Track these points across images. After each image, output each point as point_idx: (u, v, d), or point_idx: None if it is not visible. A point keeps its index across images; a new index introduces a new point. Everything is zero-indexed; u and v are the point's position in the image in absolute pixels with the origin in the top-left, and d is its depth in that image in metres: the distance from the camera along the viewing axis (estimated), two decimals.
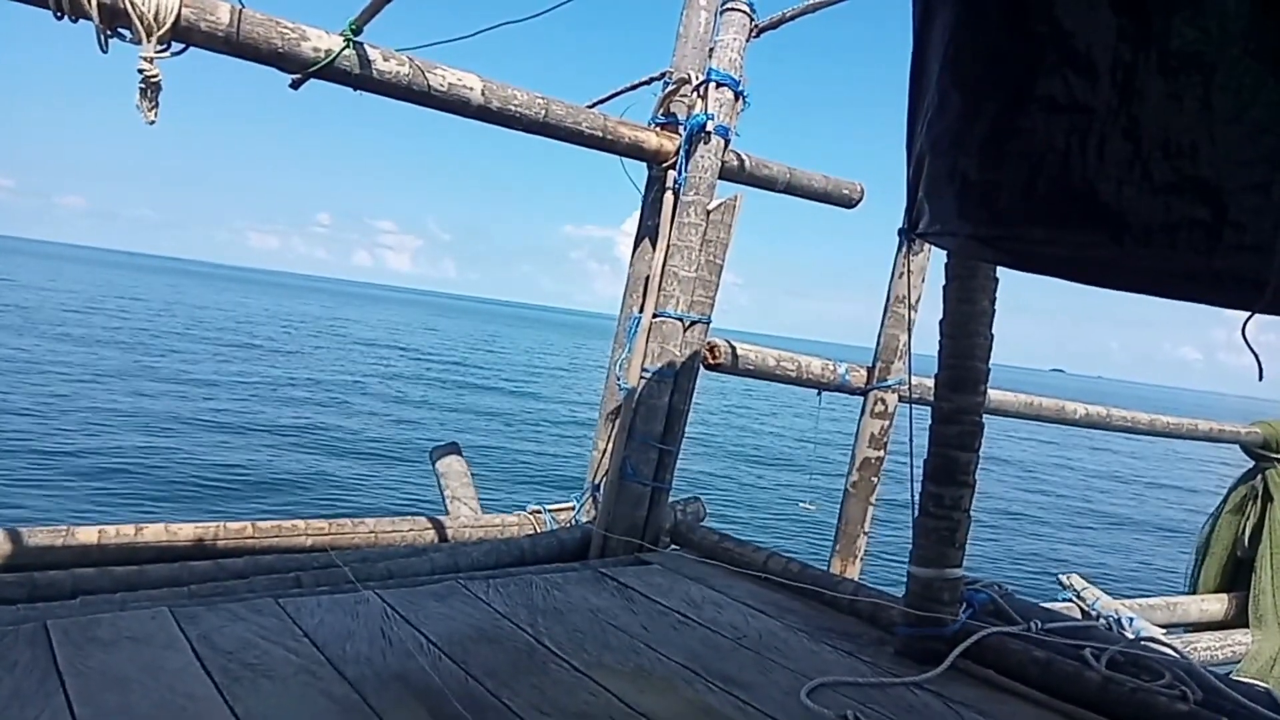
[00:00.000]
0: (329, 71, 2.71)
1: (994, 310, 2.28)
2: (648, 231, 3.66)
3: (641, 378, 3.29)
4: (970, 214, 1.64)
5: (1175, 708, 1.93)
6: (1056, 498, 17.97)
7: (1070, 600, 4.79)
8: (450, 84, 2.96)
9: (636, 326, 3.40)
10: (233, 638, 1.91)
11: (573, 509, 3.76)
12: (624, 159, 3.58)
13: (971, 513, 2.33)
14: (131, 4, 2.31)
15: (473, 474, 4.31)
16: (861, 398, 4.25)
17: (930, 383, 2.40)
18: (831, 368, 4.10)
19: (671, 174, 3.45)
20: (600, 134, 3.35)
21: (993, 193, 1.57)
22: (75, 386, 15.41)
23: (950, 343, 2.31)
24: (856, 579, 3.89)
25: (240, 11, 2.52)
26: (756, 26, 3.41)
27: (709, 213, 3.38)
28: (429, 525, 3.36)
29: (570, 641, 2.17)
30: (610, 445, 3.62)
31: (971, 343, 2.28)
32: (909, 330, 4.02)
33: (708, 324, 3.44)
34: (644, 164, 3.65)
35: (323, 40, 2.67)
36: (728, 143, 3.41)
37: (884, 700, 2.04)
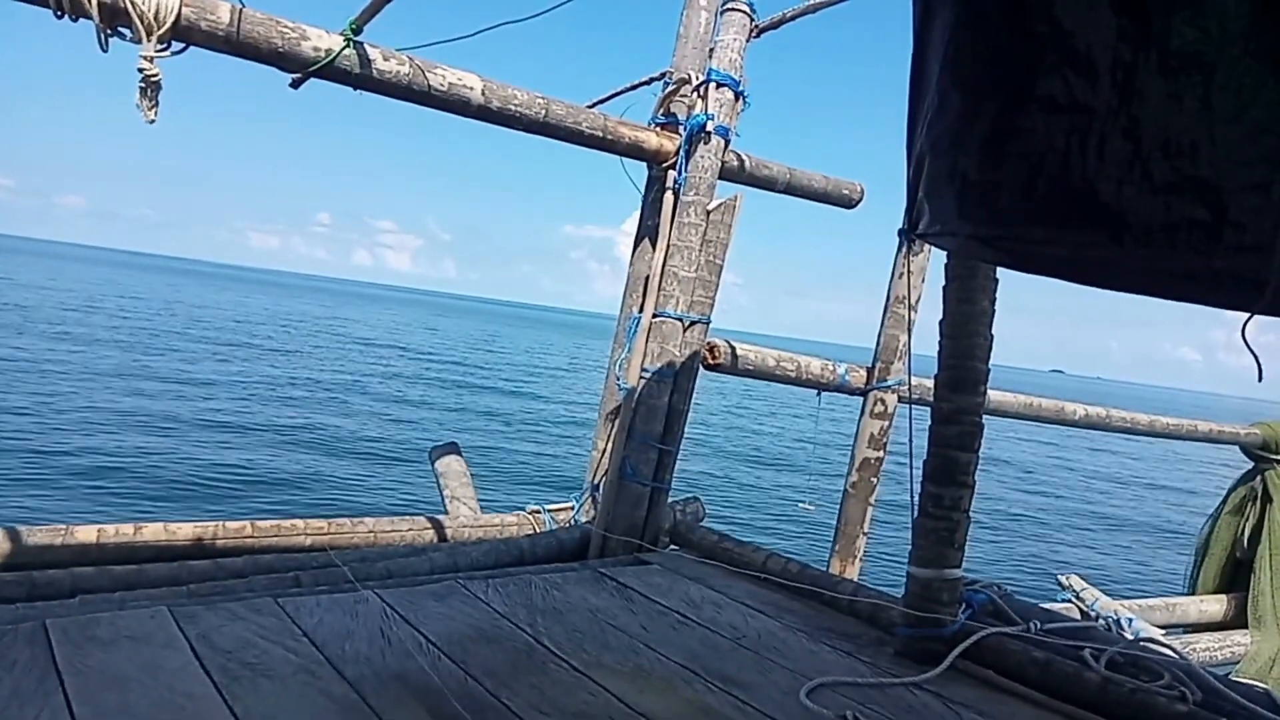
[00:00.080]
0: (329, 71, 2.71)
1: (994, 310, 2.28)
2: (648, 231, 3.66)
3: (641, 378, 3.29)
4: (970, 214, 1.64)
5: (1174, 708, 1.93)
6: (1056, 499, 17.98)
7: (1069, 601, 4.80)
8: (450, 84, 2.96)
9: (636, 326, 3.40)
10: (232, 637, 1.91)
11: (572, 509, 3.76)
12: (624, 159, 3.59)
13: (971, 513, 2.33)
14: (132, 3, 2.31)
15: (472, 474, 4.31)
16: (861, 398, 4.25)
17: (930, 383, 2.40)
18: (831, 368, 4.10)
19: (671, 174, 3.45)
20: (600, 134, 3.35)
21: (993, 193, 1.57)
22: (74, 386, 15.41)
23: (950, 343, 2.31)
24: (856, 579, 3.89)
25: (240, 11, 2.52)
26: (757, 27, 3.41)
27: (709, 213, 3.38)
28: (428, 525, 3.36)
29: (569, 641, 2.17)
30: (610, 445, 3.62)
31: (971, 343, 2.28)
32: (909, 330, 4.02)
33: (707, 324, 3.44)
34: (644, 164, 3.65)
35: (323, 40, 2.67)
36: (728, 143, 3.41)
37: (883, 700, 2.03)
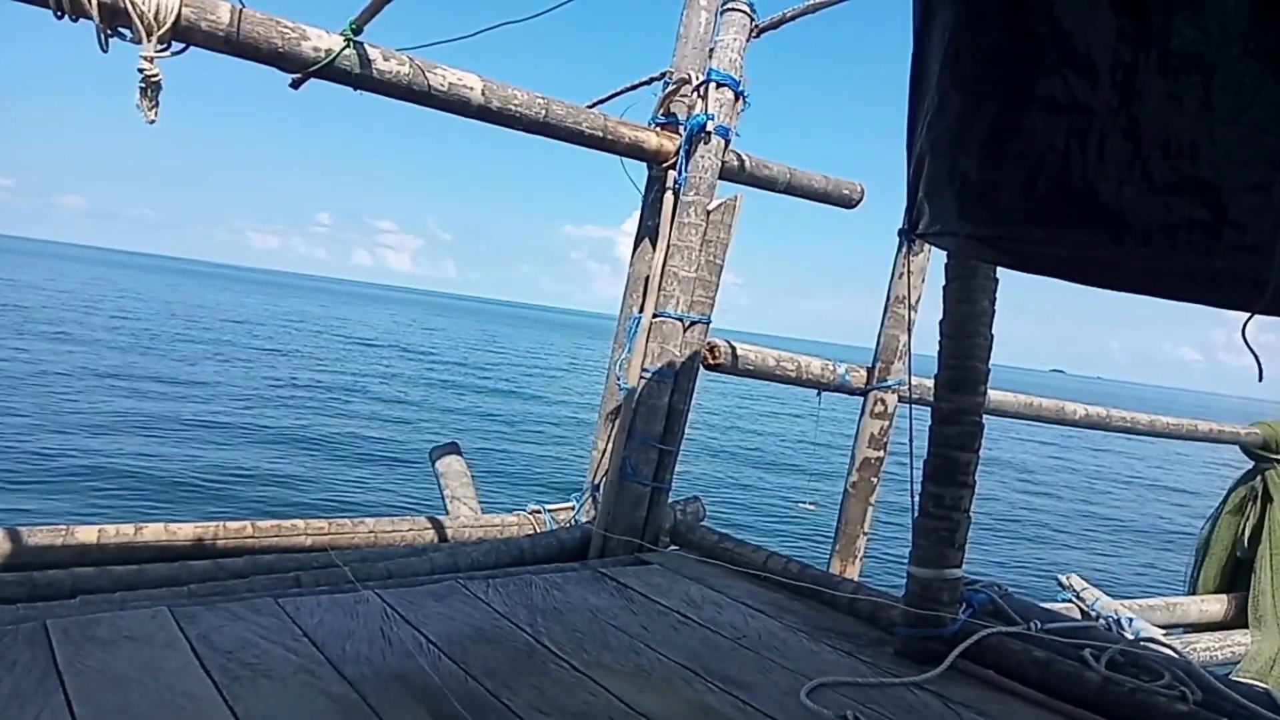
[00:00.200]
0: (329, 71, 2.71)
1: (994, 310, 2.28)
2: (648, 231, 3.66)
3: (641, 378, 3.29)
4: (970, 214, 1.64)
5: (1175, 708, 1.93)
6: (1056, 499, 17.97)
7: (1070, 601, 4.80)
8: (450, 84, 2.96)
9: (636, 326, 3.40)
10: (232, 637, 1.91)
11: (572, 509, 3.76)
12: (624, 159, 3.59)
13: (971, 513, 2.33)
14: (132, 3, 2.31)
15: (472, 474, 4.31)
16: (861, 398, 4.25)
17: (930, 383, 2.40)
18: (831, 368, 4.10)
19: (671, 174, 3.45)
20: (600, 134, 3.35)
21: (993, 193, 1.57)
22: (74, 387, 15.41)
23: (950, 343, 2.31)
24: (856, 579, 3.89)
25: (240, 11, 2.52)
26: (757, 27, 3.41)
27: (709, 213, 3.38)
28: (428, 525, 3.36)
29: (570, 641, 2.17)
30: (610, 445, 3.62)
31: (971, 343, 2.28)
32: (909, 330, 4.02)
33: (708, 324, 3.44)
34: (644, 164, 3.65)
35: (323, 40, 2.67)
36: (728, 143, 3.41)
37: (883, 700, 2.04)
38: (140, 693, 1.60)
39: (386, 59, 2.82)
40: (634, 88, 3.84)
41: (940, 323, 2.31)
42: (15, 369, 16.31)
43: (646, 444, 3.26)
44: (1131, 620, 4.39)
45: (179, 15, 2.40)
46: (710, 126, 3.30)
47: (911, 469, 2.33)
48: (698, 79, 3.39)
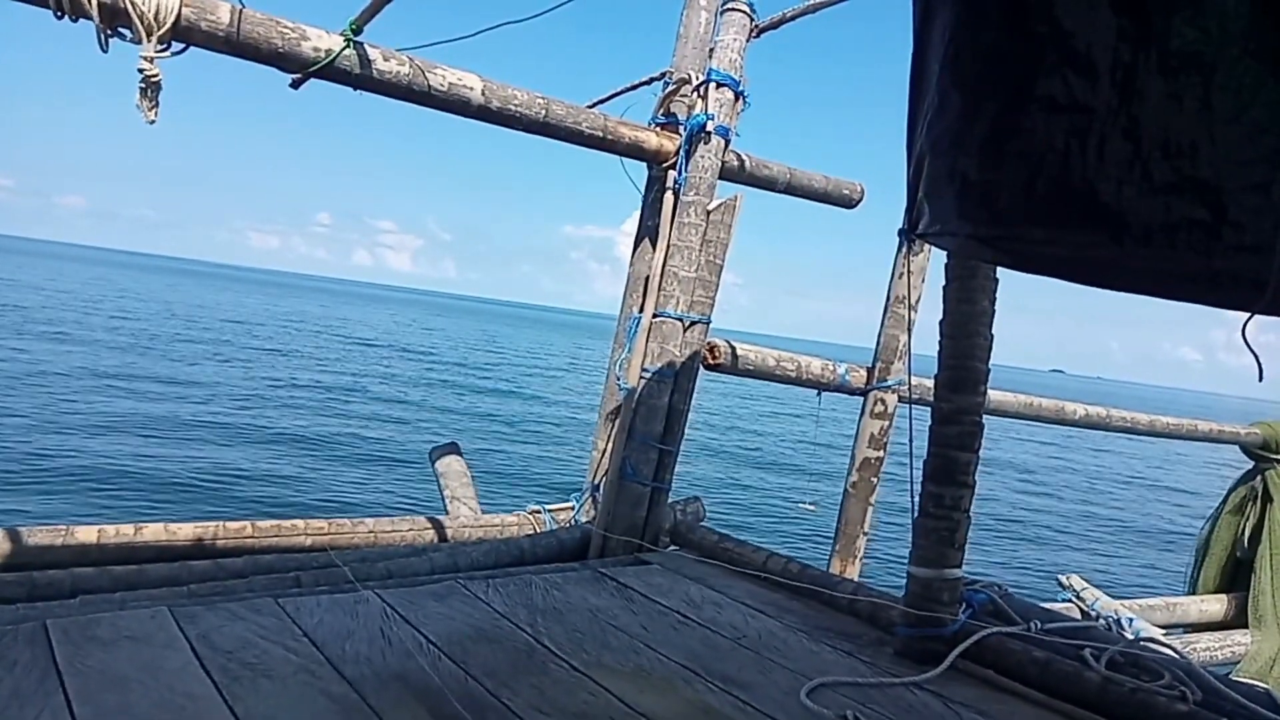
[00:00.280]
0: (329, 71, 2.71)
1: (994, 310, 2.28)
2: (648, 231, 3.66)
3: (641, 378, 3.29)
4: (970, 214, 1.64)
5: (1175, 708, 1.93)
6: (1056, 500, 17.97)
7: (1070, 601, 4.80)
8: (450, 84, 2.96)
9: (636, 326, 3.40)
10: (232, 637, 1.91)
11: (572, 509, 3.76)
12: (624, 159, 3.59)
13: (971, 513, 2.33)
14: (132, 3, 2.31)
15: (472, 474, 4.31)
16: (861, 398, 4.25)
17: (930, 383, 2.40)
18: (831, 368, 4.10)
19: (671, 174, 3.45)
20: (600, 134, 3.35)
21: (993, 193, 1.57)
22: (74, 387, 15.41)
23: (950, 343, 2.31)
24: (856, 579, 3.89)
25: (240, 11, 2.52)
26: (757, 27, 3.41)
27: (709, 213, 3.38)
28: (428, 525, 3.36)
29: (570, 641, 2.17)
30: (610, 445, 3.62)
31: (971, 343, 2.28)
32: (909, 330, 4.02)
33: (708, 324, 3.44)
34: (644, 164, 3.65)
35: (323, 40, 2.67)
36: (728, 143, 3.41)
37: (883, 700, 2.04)
38: (140, 693, 1.60)
39: (386, 59, 2.82)
40: (634, 88, 3.84)
41: (940, 323, 2.31)
42: (15, 369, 16.31)
43: (646, 444, 3.26)
44: (1131, 620, 4.39)
45: (179, 15, 2.40)
46: (710, 126, 3.30)
47: (911, 469, 2.33)
48: (698, 79, 3.39)
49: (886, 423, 4.23)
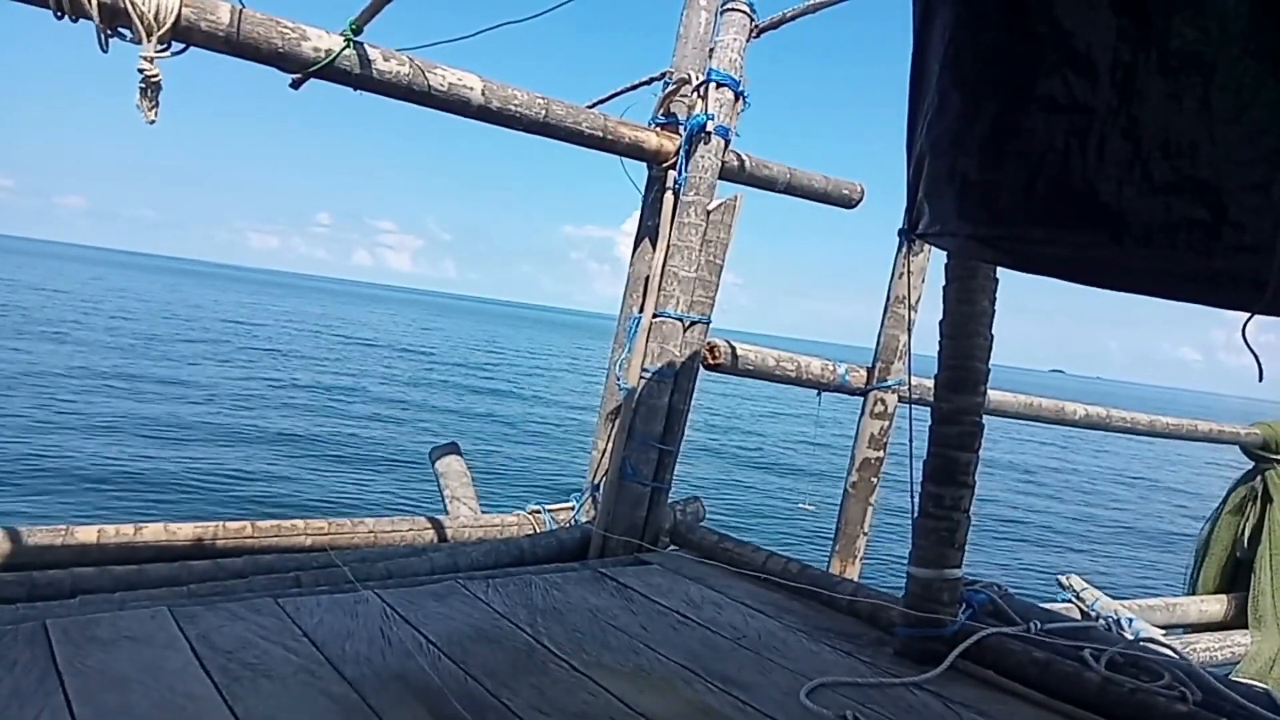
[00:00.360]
0: (329, 71, 2.71)
1: (994, 311, 2.28)
2: (648, 231, 3.66)
3: (641, 378, 3.29)
4: (970, 214, 1.64)
5: (1174, 708, 1.93)
6: (1056, 502, 17.96)
7: (1070, 601, 4.80)
8: (450, 84, 2.96)
9: (636, 326, 3.40)
10: (232, 637, 1.91)
11: (572, 509, 3.76)
12: (624, 159, 3.59)
13: (971, 513, 2.33)
14: (132, 4, 2.31)
15: (472, 474, 4.31)
16: (861, 398, 4.25)
17: (930, 383, 2.40)
18: (831, 368, 4.10)
19: (671, 174, 3.45)
20: (600, 134, 3.35)
21: (993, 193, 1.57)
22: (73, 387, 15.40)
23: (950, 343, 2.31)
24: (856, 579, 3.89)
25: (240, 11, 2.52)
26: (757, 27, 3.41)
27: (709, 213, 3.38)
28: (428, 525, 3.36)
29: (569, 641, 2.17)
30: (610, 445, 3.62)
31: (971, 343, 2.28)
32: (909, 331, 4.02)
33: (708, 324, 3.44)
34: (644, 164, 3.65)
35: (323, 40, 2.67)
36: (728, 143, 3.41)
37: (883, 700, 2.04)
38: (140, 693, 1.60)
39: (386, 59, 2.82)
40: (634, 88, 3.84)
41: (940, 323, 2.31)
42: (15, 369, 16.31)
43: (646, 444, 3.26)
44: (1131, 621, 4.39)
45: (179, 15, 2.40)
46: (710, 126, 3.30)
47: (911, 469, 2.33)
48: (698, 79, 3.39)
49: (886, 423, 4.23)
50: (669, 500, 3.44)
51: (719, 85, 3.32)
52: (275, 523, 2.98)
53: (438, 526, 3.38)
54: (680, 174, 3.38)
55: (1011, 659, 2.22)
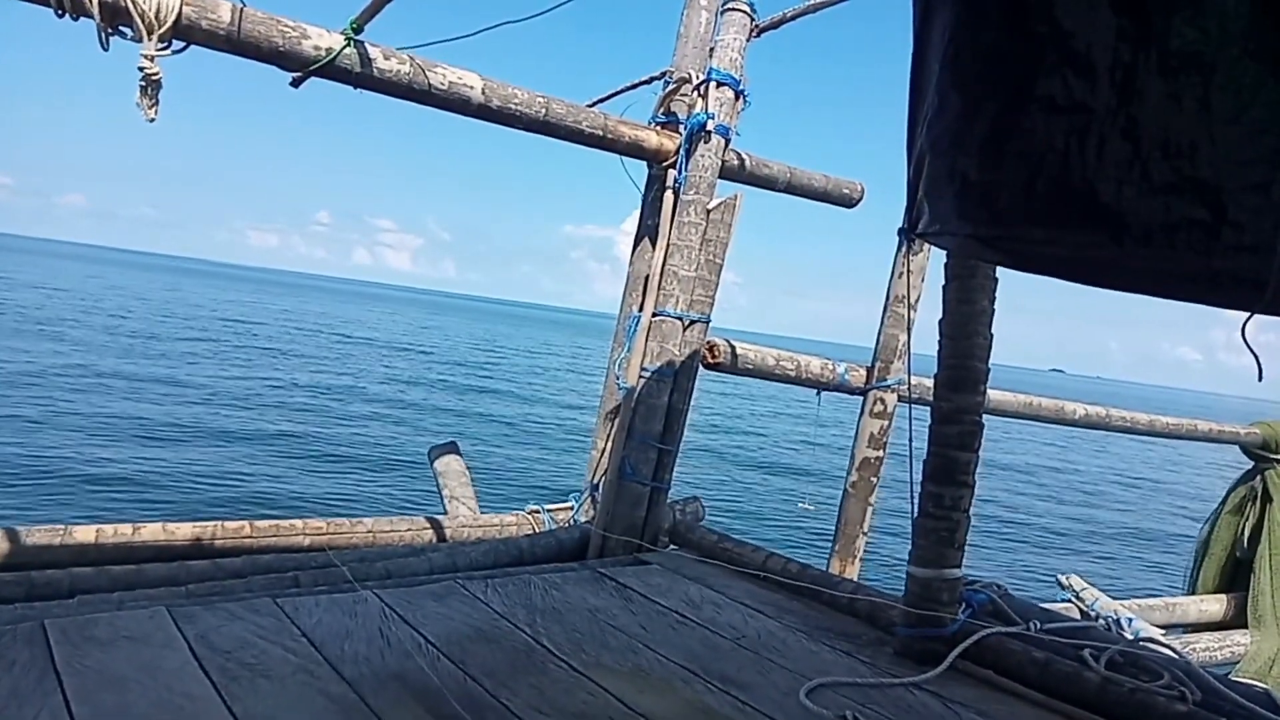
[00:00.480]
0: (330, 70, 2.71)
1: (993, 310, 2.28)
2: (648, 231, 3.66)
3: (641, 377, 3.29)
4: (970, 214, 1.64)
5: (1174, 708, 1.93)
6: (1056, 503, 17.96)
7: (1069, 601, 4.80)
8: (450, 83, 2.96)
9: (636, 326, 3.40)
10: (230, 637, 1.91)
11: (571, 509, 3.76)
12: (624, 158, 3.59)
13: (970, 513, 2.33)
14: (132, 2, 2.31)
15: (471, 474, 4.31)
16: (861, 398, 4.25)
17: (930, 383, 2.40)
18: (831, 367, 4.10)
19: (672, 173, 3.45)
20: (600, 133, 3.35)
21: (993, 193, 1.57)
22: (72, 387, 15.40)
23: (950, 343, 2.31)
24: (856, 579, 3.89)
25: (241, 10, 2.52)
26: (757, 26, 3.41)
27: (709, 212, 3.38)
28: (427, 525, 3.36)
29: (569, 641, 2.17)
30: (609, 445, 3.62)
31: (971, 343, 2.28)
32: (908, 330, 4.02)
33: (707, 323, 3.44)
34: (644, 163, 3.65)
35: (323, 39, 2.67)
36: (728, 142, 3.41)
37: (883, 700, 2.03)
38: (139, 692, 1.60)
39: (387, 58, 2.82)
40: (634, 87, 3.84)
41: (940, 322, 2.31)
42: (14, 369, 16.30)
43: (646, 443, 3.26)
44: (1131, 620, 4.39)
45: (180, 14, 2.40)
46: (710, 126, 3.30)
47: (911, 469, 2.33)
48: (698, 78, 3.39)
49: (886, 422, 4.23)
50: (668, 500, 3.44)
51: (719, 84, 3.32)
52: (274, 523, 2.98)
53: (437, 526, 3.38)
54: (680, 173, 3.38)
55: (1011, 659, 2.22)
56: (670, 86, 3.59)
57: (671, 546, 3.43)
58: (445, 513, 3.85)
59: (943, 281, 2.29)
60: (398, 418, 17.53)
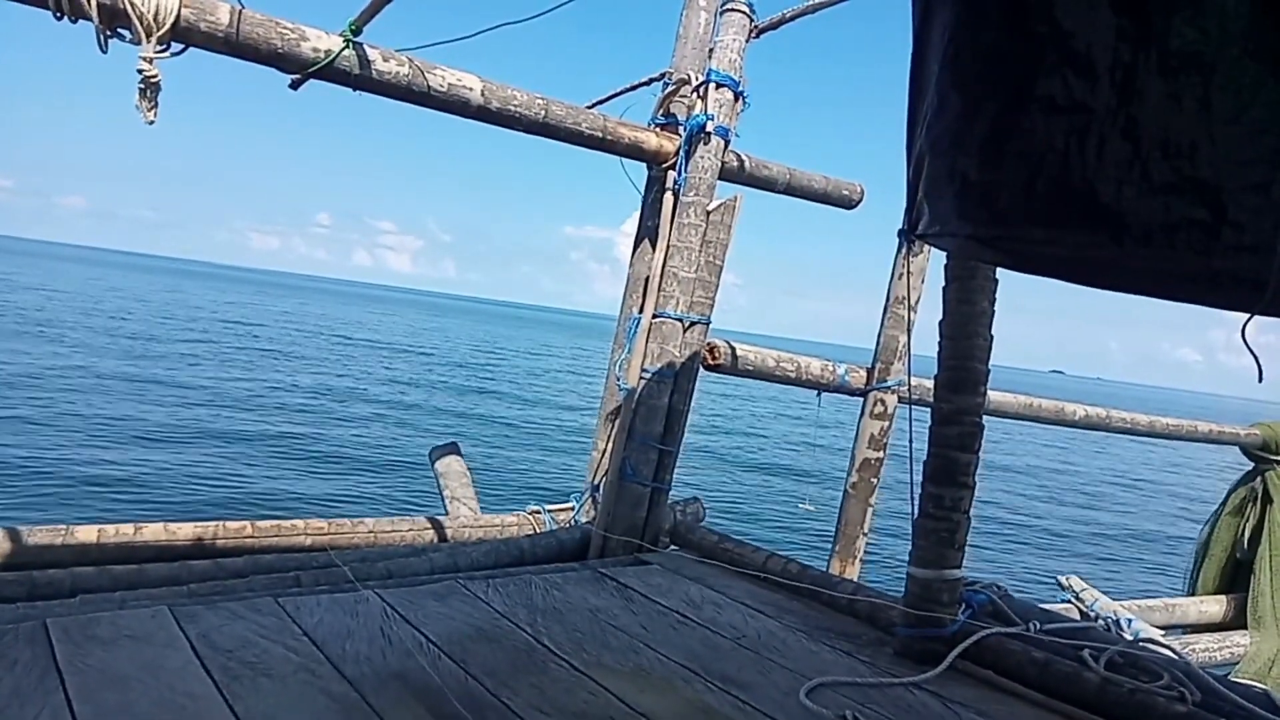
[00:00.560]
0: (329, 72, 2.71)
1: (993, 311, 2.28)
2: (647, 232, 3.66)
3: (641, 378, 3.29)
4: (970, 214, 1.65)
5: (1173, 709, 1.93)
6: (1056, 505, 17.95)
7: (1069, 601, 4.80)
8: (450, 84, 2.96)
9: (636, 327, 3.40)
10: (232, 636, 1.91)
11: (572, 509, 3.76)
12: (624, 159, 3.59)
13: (970, 514, 2.33)
14: (131, 4, 2.31)
15: (472, 474, 4.31)
16: (861, 399, 4.25)
17: (930, 384, 2.40)
18: (831, 368, 4.10)
19: (671, 174, 3.45)
20: (600, 134, 3.35)
21: (993, 193, 1.57)
22: (73, 389, 15.40)
23: (950, 344, 2.31)
24: (856, 580, 3.89)
25: (240, 12, 2.52)
26: (756, 27, 3.41)
27: (709, 213, 3.38)
28: (428, 525, 3.36)
29: (570, 641, 2.17)
30: (610, 446, 3.62)
31: (971, 344, 2.28)
32: (908, 331, 4.02)
33: (707, 324, 3.44)
34: (644, 164, 3.65)
35: (322, 40, 2.68)
36: (727, 143, 3.42)
37: (883, 700, 2.04)
38: (140, 692, 1.61)
39: (386, 59, 2.82)
40: (634, 88, 3.84)
41: (940, 323, 2.31)
42: (15, 371, 16.30)
43: (646, 444, 3.26)
44: (1130, 621, 4.39)
45: (178, 16, 2.40)
46: (710, 127, 3.31)
47: (911, 470, 2.33)
48: (697, 79, 3.39)
49: (886, 423, 4.23)
50: (669, 501, 3.44)
51: (719, 86, 3.32)
52: (275, 522, 2.98)
53: (438, 526, 3.38)
54: (680, 174, 3.39)
55: (1011, 659, 2.22)
56: (669, 88, 3.59)
57: (672, 547, 3.43)
58: (446, 513, 3.85)
59: (943, 283, 2.30)
60: (398, 419, 17.54)
